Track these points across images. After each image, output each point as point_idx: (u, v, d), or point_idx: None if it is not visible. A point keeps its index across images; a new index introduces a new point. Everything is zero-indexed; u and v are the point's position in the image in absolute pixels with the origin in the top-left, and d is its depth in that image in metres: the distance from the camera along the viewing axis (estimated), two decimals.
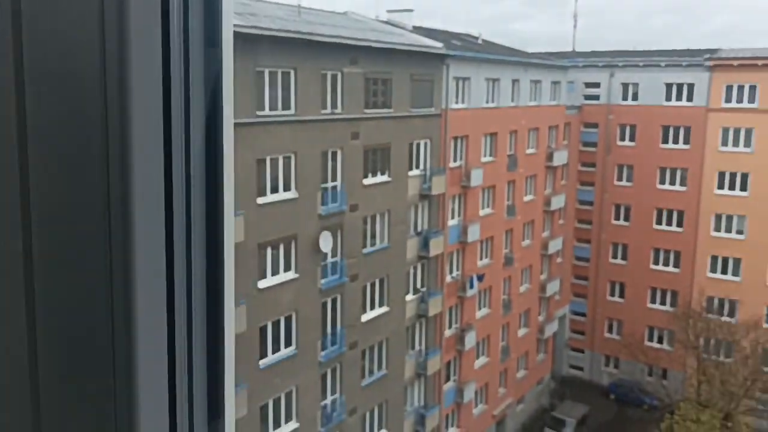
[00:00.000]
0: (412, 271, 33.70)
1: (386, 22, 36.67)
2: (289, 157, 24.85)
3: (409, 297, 33.54)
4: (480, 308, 40.70)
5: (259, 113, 23.12)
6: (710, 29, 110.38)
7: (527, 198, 44.72)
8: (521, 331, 46.29)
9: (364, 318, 30.12)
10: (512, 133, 41.59)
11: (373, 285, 30.60)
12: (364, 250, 29.55)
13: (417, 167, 32.86)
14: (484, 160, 38.67)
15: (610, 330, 54.49)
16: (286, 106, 24.45)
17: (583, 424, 46.69)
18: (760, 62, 46.18)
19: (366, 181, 29.11)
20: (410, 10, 37.34)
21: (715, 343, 43.55)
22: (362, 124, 28.31)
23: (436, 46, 32.87)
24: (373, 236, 30.32)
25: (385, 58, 29.24)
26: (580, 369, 56.24)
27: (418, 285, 34.34)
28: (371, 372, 31.31)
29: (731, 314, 46.39)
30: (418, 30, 36.83)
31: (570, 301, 55.65)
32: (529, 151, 44.15)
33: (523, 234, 44.99)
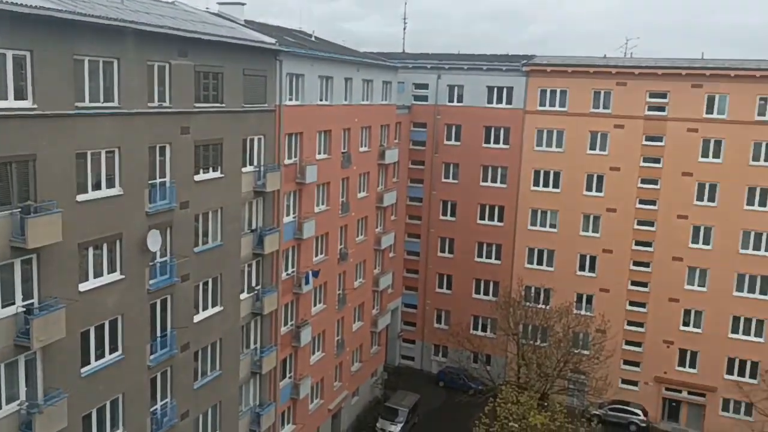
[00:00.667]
0: (246, 268, 33.16)
1: (217, 15, 35.73)
2: (113, 152, 23.46)
3: (244, 295, 32.98)
4: (316, 304, 40.92)
5: (78, 105, 21.59)
6: (528, 38, 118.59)
7: (361, 195, 45.58)
8: (356, 325, 47.15)
9: (197, 318, 29.20)
10: (346, 131, 42.18)
11: (205, 284, 29.74)
12: (196, 249, 28.64)
13: (251, 163, 32.36)
14: (318, 157, 38.88)
15: (439, 320, 57.03)
16: (108, 97, 23.03)
17: (414, 411, 48.45)
18: (569, 69, 50.38)
19: (197, 178, 28.21)
20: (242, 4, 36.62)
21: (532, 329, 46.94)
22: (193, 118, 27.39)
23: (269, 41, 32.54)
24: (206, 234, 29.46)
25: (216, 52, 28.48)
26: (412, 359, 58.35)
27: (253, 283, 33.88)
28: (204, 373, 30.44)
29: (546, 302, 50.26)
30: (250, 24, 36.24)
31: (402, 294, 57.52)
32: (363, 149, 45.02)
33: (357, 230, 45.81)
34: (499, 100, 52.76)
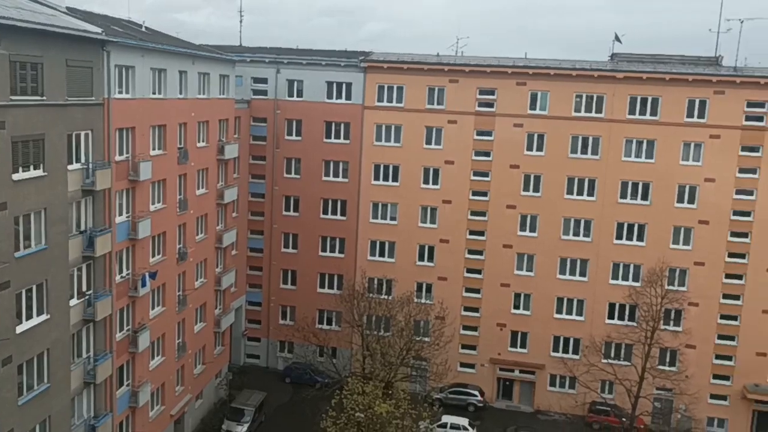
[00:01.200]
0: (76, 273, 31.09)
1: (36, 1, 33.05)
2: None
3: (74, 301, 30.91)
4: (154, 307, 39.22)
5: None
6: (365, 35, 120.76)
7: (200, 192, 44.24)
8: (198, 326, 45.78)
9: (20, 329, 26.97)
10: (182, 126, 40.71)
11: (29, 291, 27.54)
12: (17, 254, 26.42)
13: (78, 160, 30.33)
14: (153, 153, 37.21)
15: (284, 317, 56.77)
16: None
17: (260, 410, 47.94)
18: (405, 66, 51.93)
19: (16, 177, 26.00)
20: None
21: (376, 320, 48.02)
22: (9, 112, 25.20)
23: (94, 30, 30.62)
24: (28, 237, 27.26)
25: (34, 40, 26.36)
26: (258, 357, 57.66)
27: (84, 287, 31.84)
28: (31, 387, 28.20)
29: (389, 292, 51.62)
30: (73, 12, 33.88)
31: (246, 292, 56.59)
32: (201, 144, 43.70)
33: (197, 228, 44.45)
34: (339, 96, 53.32)
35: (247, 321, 57.29)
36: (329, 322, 55.22)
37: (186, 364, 44.07)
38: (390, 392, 40.06)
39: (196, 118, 42.62)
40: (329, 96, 53.42)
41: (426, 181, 52.87)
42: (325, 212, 54.80)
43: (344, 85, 53.12)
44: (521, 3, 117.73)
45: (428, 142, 52.44)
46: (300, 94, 53.97)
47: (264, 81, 54.35)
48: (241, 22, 61.19)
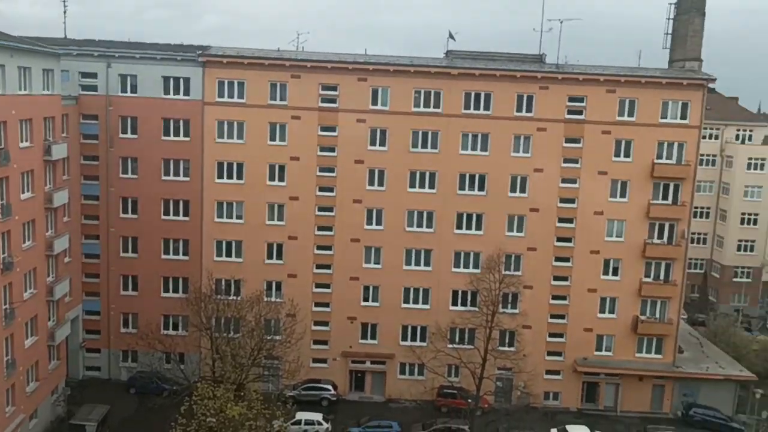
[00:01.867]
0: None
1: None
2: None
3: None
4: None
5: None
6: (203, 28, 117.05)
7: (25, 196, 40.95)
8: (29, 341, 42.44)
9: None
10: (1, 124, 37.43)
11: None
12: None
13: None
14: None
15: (126, 325, 54.03)
16: None
17: (103, 425, 45.43)
18: (246, 61, 50.99)
19: None
20: None
21: (225, 322, 46.86)
22: None
23: None
24: None
25: None
26: (98, 369, 54.53)
27: None
28: None
29: (237, 293, 50.61)
30: None
31: (82, 301, 53.22)
32: (24, 144, 40.43)
33: (24, 235, 41.15)
34: (177, 91, 51.36)
35: (85, 332, 53.91)
36: (175, 327, 53.23)
37: (17, 383, 40.72)
38: (242, 394, 39.38)
39: (18, 116, 39.37)
40: (166, 92, 51.30)
41: (272, 178, 52.34)
42: (167, 213, 52.67)
43: (182, 80, 51.24)
44: (356, 2, 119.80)
45: (272, 138, 51.91)
46: (134, 89, 51.37)
47: (93, 76, 51.16)
48: (65, 12, 56.61)
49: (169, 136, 51.76)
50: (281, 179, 52.35)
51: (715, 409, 53.34)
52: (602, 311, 54.16)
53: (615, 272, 53.71)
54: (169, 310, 52.86)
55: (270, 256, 53.22)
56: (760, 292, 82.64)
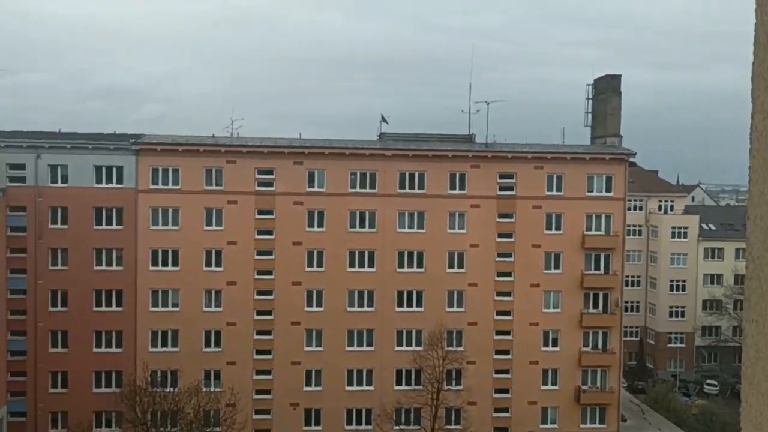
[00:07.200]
0: None
1: None
2: None
3: None
4: None
5: None
6: (143, 116, 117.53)
7: None
8: None
9: None
10: None
11: None
12: None
13: None
14: None
15: (54, 424, 51.13)
16: None
17: None
18: (180, 148, 51.07)
19: None
20: None
21: (162, 415, 45.01)
22: None
23: None
24: None
25: None
26: None
27: None
28: None
29: (174, 384, 48.76)
30: None
31: (7, 402, 50.18)
32: None
33: None
34: (109, 180, 50.76)
35: None
36: (108, 424, 50.68)
37: None
38: None
39: None
40: (99, 180, 50.64)
41: (208, 264, 51.61)
42: (99, 304, 51.00)
43: (115, 169, 50.76)
44: (289, 89, 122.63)
45: (208, 223, 51.52)
46: (65, 179, 50.53)
47: (22, 167, 50.18)
48: None
49: (101, 225, 50.75)
50: (218, 264, 51.68)
51: None
52: (545, 383, 54.44)
53: (555, 343, 54.41)
54: (101, 406, 50.28)
55: (208, 344, 51.82)
56: (694, 356, 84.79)
